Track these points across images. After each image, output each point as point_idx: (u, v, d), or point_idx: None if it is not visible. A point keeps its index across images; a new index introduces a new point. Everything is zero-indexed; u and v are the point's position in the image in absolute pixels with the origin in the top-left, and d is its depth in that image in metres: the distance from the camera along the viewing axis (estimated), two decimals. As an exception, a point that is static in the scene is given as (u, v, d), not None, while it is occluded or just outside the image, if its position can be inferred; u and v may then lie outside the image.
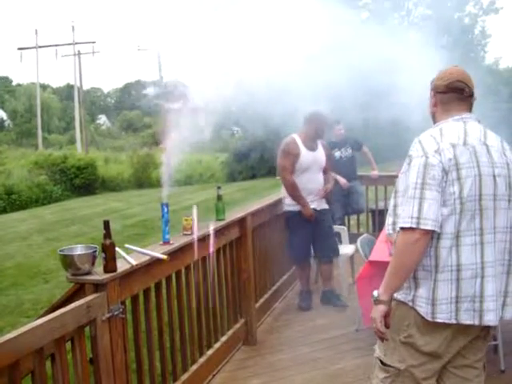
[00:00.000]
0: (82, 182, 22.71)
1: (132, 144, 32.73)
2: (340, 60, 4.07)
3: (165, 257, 2.82)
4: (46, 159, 23.56)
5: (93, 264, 2.47)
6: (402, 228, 1.98)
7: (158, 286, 3.03)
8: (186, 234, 3.34)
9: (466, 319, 2.01)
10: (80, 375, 2.29)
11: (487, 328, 2.12)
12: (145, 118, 45.31)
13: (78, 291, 2.45)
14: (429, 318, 2.02)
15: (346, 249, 5.36)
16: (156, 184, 19.60)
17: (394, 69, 4.01)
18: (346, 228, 5.97)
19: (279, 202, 4.95)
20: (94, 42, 40.46)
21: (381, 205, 6.94)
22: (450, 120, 2.13)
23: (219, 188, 3.86)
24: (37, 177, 21.60)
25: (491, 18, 31.82)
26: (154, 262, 2.83)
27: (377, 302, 2.04)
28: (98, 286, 2.41)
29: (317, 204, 4.85)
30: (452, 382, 2.19)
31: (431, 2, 18.39)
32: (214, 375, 3.64)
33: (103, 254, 2.47)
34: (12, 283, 7.48)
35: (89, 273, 2.45)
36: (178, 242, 3.16)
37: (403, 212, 2.00)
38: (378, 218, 6.80)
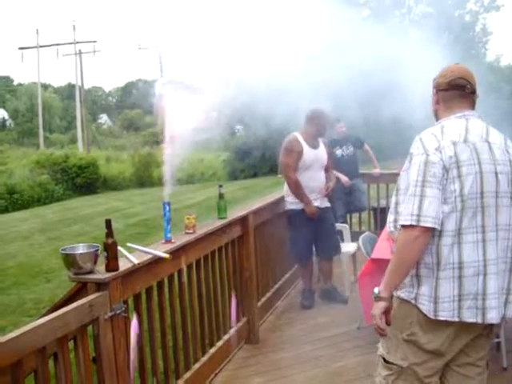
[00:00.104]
0: (83, 181, 22.73)
1: (133, 143, 32.73)
2: (341, 58, 4.07)
3: (167, 255, 2.82)
4: (48, 158, 23.58)
5: (95, 263, 2.47)
6: (403, 225, 1.98)
7: (160, 284, 3.03)
8: (187, 233, 3.34)
9: (469, 317, 2.01)
10: (83, 374, 2.30)
11: (490, 326, 2.12)
12: (146, 117, 45.30)
13: (80, 290, 2.45)
14: (431, 316, 2.02)
15: (347, 247, 5.36)
16: (157, 183, 19.63)
17: (395, 67, 4.01)
18: (347, 226, 5.97)
19: (281, 200, 4.94)
20: (95, 41, 40.46)
21: (383, 203, 6.94)
22: (452, 117, 2.13)
23: (221, 186, 3.86)
24: (38, 176, 21.62)
25: (492, 16, 31.77)
26: (156, 261, 2.83)
27: (377, 298, 2.04)
28: (100, 285, 2.41)
29: (319, 202, 4.85)
30: (454, 380, 2.20)
31: (432, 0, 18.36)
32: (216, 374, 3.65)
33: (105, 253, 2.47)
34: (14, 282, 7.49)
35: (91, 272, 2.45)
36: (179, 240, 3.16)
37: (404, 210, 2.00)
38: (380, 215, 6.79)
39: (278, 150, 4.89)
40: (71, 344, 2.28)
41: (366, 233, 4.60)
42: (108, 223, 2.49)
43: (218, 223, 3.71)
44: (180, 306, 3.29)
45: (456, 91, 2.14)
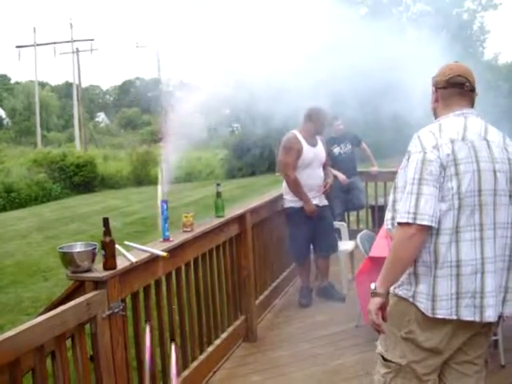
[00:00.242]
0: (81, 179, 22.68)
1: (131, 141, 32.69)
2: (340, 57, 4.07)
3: (164, 254, 2.81)
4: (45, 157, 23.53)
5: (93, 261, 2.47)
6: (399, 223, 1.99)
7: (157, 283, 3.02)
8: (185, 231, 3.34)
9: (467, 315, 2.01)
10: (80, 372, 2.29)
11: (489, 324, 2.12)
12: (144, 116, 45.26)
13: (77, 288, 2.45)
14: (429, 314, 2.02)
15: (345, 245, 5.36)
16: (155, 181, 19.57)
17: (394, 65, 4.01)
18: (345, 224, 5.96)
19: (279, 198, 4.94)
20: (92, 40, 40.14)
21: (380, 201, 6.94)
22: (451, 115, 2.13)
23: (218, 185, 3.85)
24: (36, 175, 21.57)
25: (490, 14, 31.74)
26: (154, 259, 2.82)
27: (373, 294, 2.04)
28: (97, 284, 2.41)
29: (318, 200, 4.85)
30: (453, 378, 2.20)
31: (430, -2, 18.39)
32: (214, 372, 3.65)
33: (103, 252, 2.47)
34: (11, 281, 7.48)
35: (89, 270, 2.44)
36: (177, 238, 3.16)
37: (401, 207, 2.00)
38: (378, 214, 6.79)
39: (276, 148, 4.89)
40: (69, 342, 2.28)
41: (364, 231, 4.60)
42: (106, 222, 2.49)
43: (216, 221, 3.71)
44: (178, 304, 3.28)
45: (455, 89, 2.14)
